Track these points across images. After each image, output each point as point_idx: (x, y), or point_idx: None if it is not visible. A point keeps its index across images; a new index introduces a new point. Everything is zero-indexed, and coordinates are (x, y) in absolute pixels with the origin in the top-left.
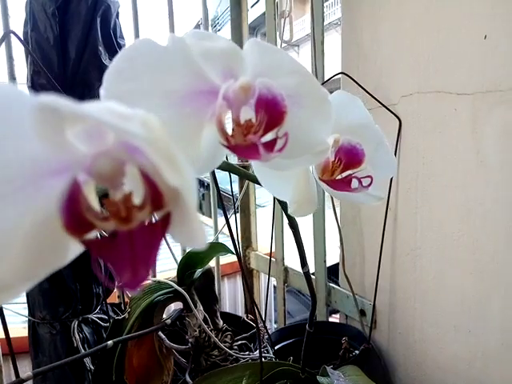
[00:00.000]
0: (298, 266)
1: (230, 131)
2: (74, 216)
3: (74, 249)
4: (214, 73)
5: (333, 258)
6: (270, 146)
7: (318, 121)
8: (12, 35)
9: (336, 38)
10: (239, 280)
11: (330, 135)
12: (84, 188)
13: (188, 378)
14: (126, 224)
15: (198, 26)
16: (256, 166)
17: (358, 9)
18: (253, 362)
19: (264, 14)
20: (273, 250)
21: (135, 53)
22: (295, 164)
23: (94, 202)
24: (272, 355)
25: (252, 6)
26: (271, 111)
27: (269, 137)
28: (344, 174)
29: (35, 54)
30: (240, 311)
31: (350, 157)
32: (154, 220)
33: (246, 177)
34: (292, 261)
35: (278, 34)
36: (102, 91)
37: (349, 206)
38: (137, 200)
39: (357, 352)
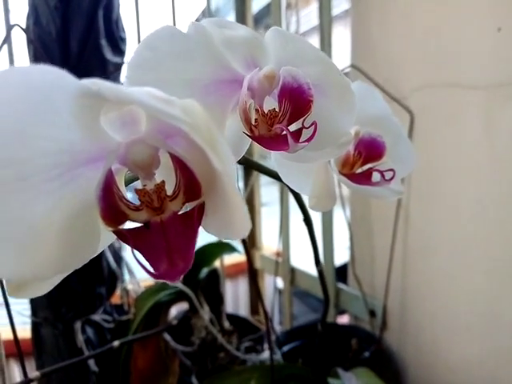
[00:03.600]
0: (305, 266)
1: (252, 121)
2: (109, 206)
3: (105, 239)
4: (237, 61)
5: (338, 258)
6: (295, 136)
7: (342, 111)
8: (12, 30)
9: (339, 30)
10: (241, 281)
11: (353, 126)
12: (117, 177)
13: (194, 380)
14: (159, 214)
15: (197, 20)
16: (278, 160)
17: (367, 0)
18: (261, 364)
19: (267, 6)
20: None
21: (158, 41)
22: (319, 156)
23: (124, 191)
24: (280, 357)
25: None
26: (297, 100)
27: (293, 127)
28: (364, 168)
29: (37, 48)
30: (242, 312)
31: (370, 149)
32: (186, 210)
33: (266, 172)
34: (299, 261)
35: (284, 25)
36: (124, 80)
37: (358, 203)
38: (168, 190)
39: (367, 353)
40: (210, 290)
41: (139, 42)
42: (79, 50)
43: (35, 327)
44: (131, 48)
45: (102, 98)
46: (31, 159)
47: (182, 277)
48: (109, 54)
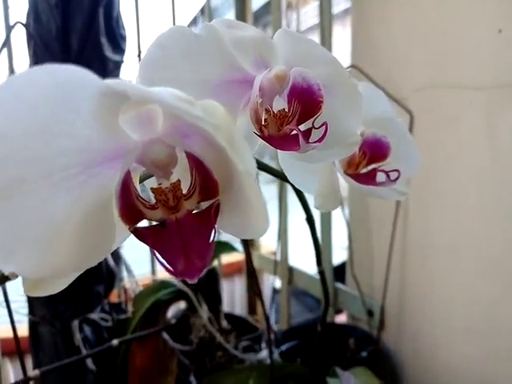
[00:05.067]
0: (302, 266)
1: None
2: (127, 204)
3: (120, 237)
4: (247, 62)
5: (335, 258)
6: (305, 136)
7: (350, 112)
8: (13, 27)
9: (337, 30)
10: (237, 280)
11: (360, 127)
12: (133, 176)
13: (193, 379)
14: (174, 213)
15: (197, 18)
16: (285, 160)
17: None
18: (259, 363)
19: (265, 4)
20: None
21: (170, 41)
22: (326, 156)
23: (139, 190)
24: (278, 356)
25: None
26: (307, 101)
27: (302, 127)
28: (369, 168)
29: (38, 45)
30: (237, 312)
31: (375, 150)
32: (201, 209)
33: (272, 172)
34: (296, 260)
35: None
36: (137, 79)
37: (357, 204)
38: (184, 189)
39: (364, 353)
40: (209, 289)
41: (139, 40)
42: (79, 47)
43: (33, 325)
44: (131, 46)
45: (125, 97)
46: (52, 158)
47: (200, 275)
48: (109, 52)
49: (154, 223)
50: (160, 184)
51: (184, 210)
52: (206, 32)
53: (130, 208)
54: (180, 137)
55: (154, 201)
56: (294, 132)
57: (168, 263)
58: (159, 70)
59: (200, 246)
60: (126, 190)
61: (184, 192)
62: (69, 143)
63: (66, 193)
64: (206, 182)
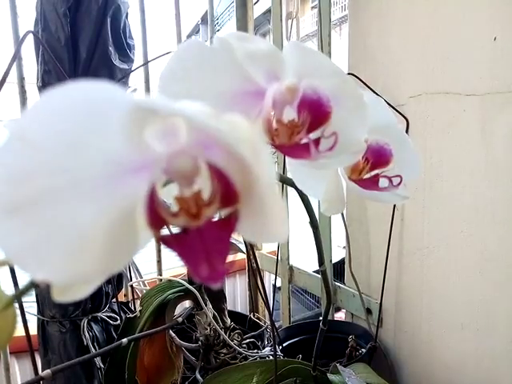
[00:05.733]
0: (302, 265)
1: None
2: (153, 213)
3: (143, 243)
4: (259, 74)
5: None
6: (314, 145)
7: (356, 121)
8: (24, 38)
9: (334, 37)
10: (239, 279)
11: (365, 135)
12: (157, 186)
13: (198, 376)
14: (196, 220)
15: (197, 26)
16: (294, 166)
17: (365, 9)
18: (262, 359)
19: (263, 14)
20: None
21: (186, 54)
22: (333, 163)
23: (162, 198)
24: (280, 353)
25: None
26: (316, 112)
27: (311, 137)
28: (372, 173)
29: (46, 53)
30: (239, 310)
31: (378, 156)
32: (221, 216)
33: (281, 180)
34: (296, 259)
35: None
36: (157, 90)
37: (355, 205)
38: (205, 197)
39: (363, 350)
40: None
41: (145, 49)
42: (88, 56)
43: (42, 325)
44: (138, 55)
45: (153, 112)
46: (81, 169)
47: (223, 279)
48: (116, 61)
49: (177, 230)
50: (182, 192)
51: (205, 218)
52: (220, 45)
53: (155, 215)
54: (202, 148)
55: (176, 208)
56: (304, 141)
57: (192, 269)
58: (177, 82)
59: (221, 252)
60: (152, 199)
61: (205, 200)
62: (98, 155)
63: (94, 201)
64: (227, 191)
